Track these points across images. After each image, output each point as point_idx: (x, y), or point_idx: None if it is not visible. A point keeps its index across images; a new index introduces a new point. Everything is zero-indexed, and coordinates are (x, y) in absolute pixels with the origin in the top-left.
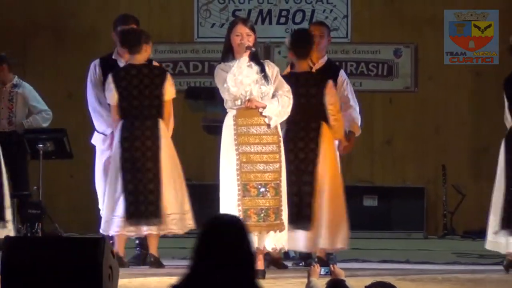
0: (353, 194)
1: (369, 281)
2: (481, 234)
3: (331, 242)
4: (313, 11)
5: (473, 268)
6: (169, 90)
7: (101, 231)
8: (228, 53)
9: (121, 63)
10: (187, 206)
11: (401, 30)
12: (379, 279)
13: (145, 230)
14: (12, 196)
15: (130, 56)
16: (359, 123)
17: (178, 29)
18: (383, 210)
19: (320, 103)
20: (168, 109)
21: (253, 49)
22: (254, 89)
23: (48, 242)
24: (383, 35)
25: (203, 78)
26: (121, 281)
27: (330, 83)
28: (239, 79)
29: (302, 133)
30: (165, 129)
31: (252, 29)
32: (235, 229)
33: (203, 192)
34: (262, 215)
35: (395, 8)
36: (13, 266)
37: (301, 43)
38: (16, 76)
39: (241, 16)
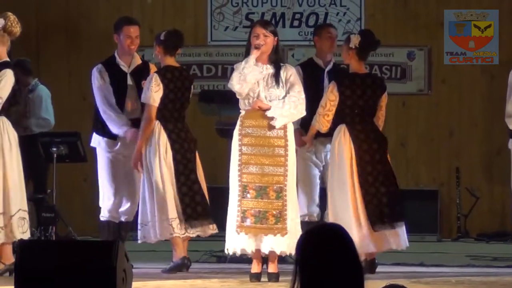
0: None
1: (382, 284)
2: (495, 236)
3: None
4: (326, 14)
5: (487, 271)
6: None
7: (153, 238)
8: (249, 54)
9: (123, 67)
10: None
11: (414, 32)
12: (392, 282)
13: (198, 231)
14: (29, 200)
15: (167, 57)
16: None
17: (191, 32)
18: None
19: (379, 104)
20: None
21: (255, 46)
22: (262, 91)
23: (62, 246)
24: (396, 38)
25: (216, 81)
26: (135, 284)
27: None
28: (243, 76)
29: (372, 134)
30: None
31: (272, 32)
32: (332, 237)
33: (215, 195)
34: (259, 217)
35: (408, 10)
36: (27, 270)
37: (372, 45)
38: (36, 80)
39: (263, 19)
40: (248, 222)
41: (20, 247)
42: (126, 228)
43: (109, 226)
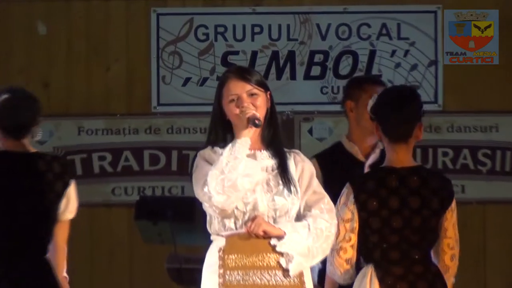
0: None
1: None
2: None
3: None
4: (372, 53)
5: None
6: None
7: None
8: (217, 131)
9: None
10: None
11: None
12: None
13: None
14: None
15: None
16: None
17: (121, 88)
18: None
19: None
20: None
21: (257, 122)
22: (262, 201)
23: None
24: (501, 98)
25: (168, 180)
26: None
27: None
28: (231, 180)
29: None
30: None
31: (260, 84)
32: None
33: None
34: None
35: None
36: None
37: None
38: None
39: (237, 65)
40: None
41: None
42: None
43: None
